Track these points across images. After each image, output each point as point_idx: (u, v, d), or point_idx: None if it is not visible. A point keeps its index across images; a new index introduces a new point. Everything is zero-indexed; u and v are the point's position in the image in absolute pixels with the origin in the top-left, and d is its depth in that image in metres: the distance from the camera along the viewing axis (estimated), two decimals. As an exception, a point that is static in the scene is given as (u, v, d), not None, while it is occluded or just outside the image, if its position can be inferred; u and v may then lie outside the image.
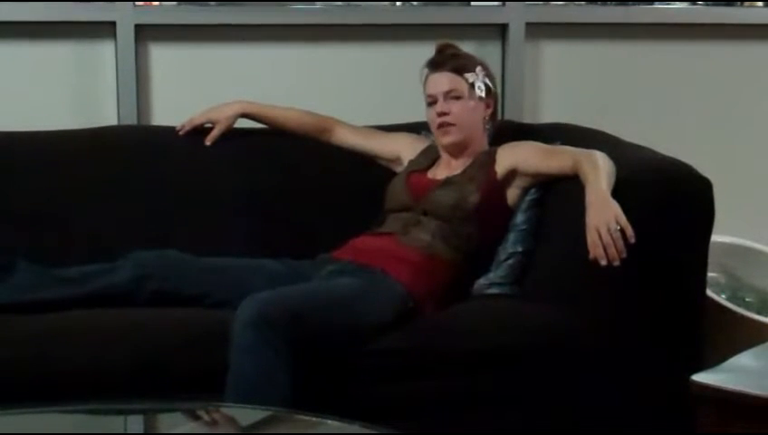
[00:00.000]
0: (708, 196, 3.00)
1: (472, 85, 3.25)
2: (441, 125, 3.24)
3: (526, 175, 3.18)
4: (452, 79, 3.25)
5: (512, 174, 3.19)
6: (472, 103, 3.25)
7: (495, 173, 3.19)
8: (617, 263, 2.79)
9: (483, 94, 3.26)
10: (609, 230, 2.79)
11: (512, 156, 3.21)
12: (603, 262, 2.79)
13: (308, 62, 3.69)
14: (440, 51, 3.31)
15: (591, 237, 2.81)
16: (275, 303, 2.75)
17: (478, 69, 3.28)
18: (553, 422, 2.95)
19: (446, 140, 3.25)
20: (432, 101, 3.26)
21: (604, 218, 2.81)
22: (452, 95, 3.24)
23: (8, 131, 3.34)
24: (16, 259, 3.02)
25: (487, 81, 3.28)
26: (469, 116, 3.25)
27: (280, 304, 2.75)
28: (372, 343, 2.84)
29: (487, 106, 3.29)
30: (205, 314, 2.90)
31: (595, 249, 2.80)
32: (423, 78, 3.30)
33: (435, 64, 3.29)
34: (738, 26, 3.96)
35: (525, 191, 3.20)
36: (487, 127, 3.30)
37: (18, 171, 3.28)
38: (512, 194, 3.20)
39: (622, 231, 2.79)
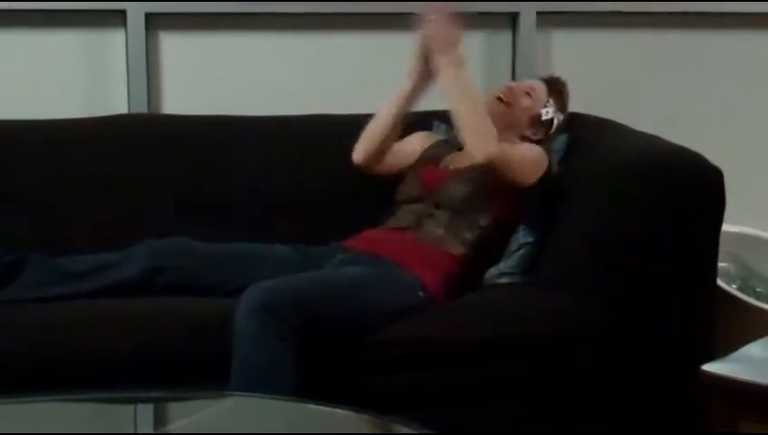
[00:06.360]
0: (719, 185, 2.99)
1: (545, 104, 3.28)
2: (501, 99, 3.25)
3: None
4: (539, 86, 3.30)
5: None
6: (532, 112, 3.27)
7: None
8: None
9: (545, 118, 3.27)
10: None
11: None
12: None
13: (319, 50, 3.68)
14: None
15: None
16: (279, 291, 2.73)
17: (561, 105, 3.32)
18: (562, 410, 2.95)
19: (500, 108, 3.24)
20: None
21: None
22: (527, 91, 3.28)
23: (18, 120, 3.34)
24: (27, 254, 3.00)
25: (556, 119, 3.29)
26: (519, 115, 3.26)
27: (284, 291, 2.73)
28: (382, 332, 2.84)
29: (535, 133, 3.28)
30: (210, 303, 2.88)
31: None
32: None
33: None
34: (750, 15, 3.94)
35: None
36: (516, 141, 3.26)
37: (28, 160, 3.28)
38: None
39: None
